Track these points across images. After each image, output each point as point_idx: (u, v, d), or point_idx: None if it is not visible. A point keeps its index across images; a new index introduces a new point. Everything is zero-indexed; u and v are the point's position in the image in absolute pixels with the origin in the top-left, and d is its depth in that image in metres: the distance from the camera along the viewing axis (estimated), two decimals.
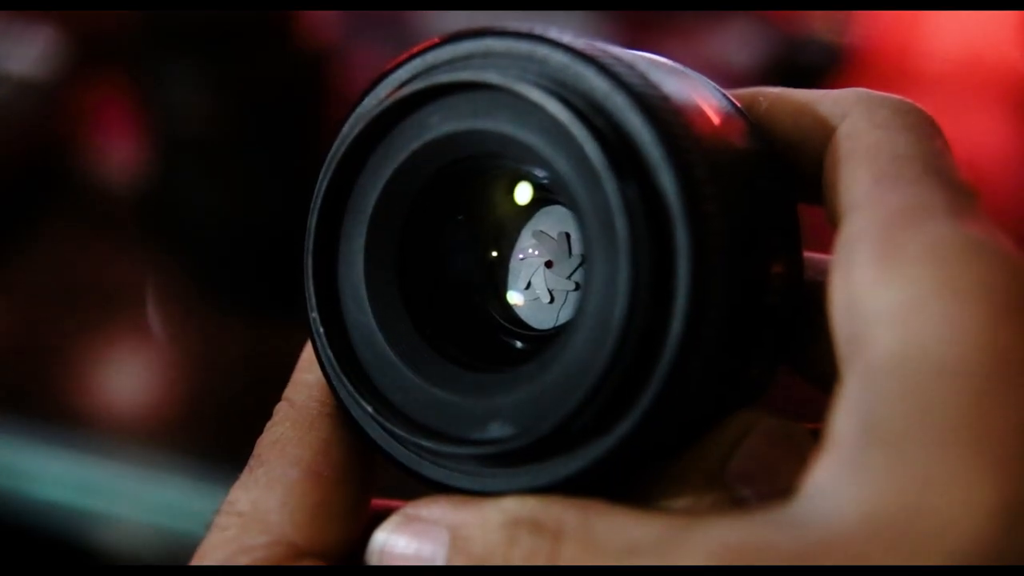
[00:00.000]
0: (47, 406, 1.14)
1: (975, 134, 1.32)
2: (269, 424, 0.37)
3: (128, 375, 1.19)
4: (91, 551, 1.10)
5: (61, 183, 1.31)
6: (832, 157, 0.35)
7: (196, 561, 0.35)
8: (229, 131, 1.16)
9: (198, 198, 1.20)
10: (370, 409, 0.35)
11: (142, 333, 1.22)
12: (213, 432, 1.12)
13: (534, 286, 0.38)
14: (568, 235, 0.37)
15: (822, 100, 0.36)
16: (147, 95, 1.21)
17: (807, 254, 0.38)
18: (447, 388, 0.35)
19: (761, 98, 0.38)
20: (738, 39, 1.39)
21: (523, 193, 0.37)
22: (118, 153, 1.31)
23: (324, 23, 1.20)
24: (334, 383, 0.36)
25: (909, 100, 0.36)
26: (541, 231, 0.38)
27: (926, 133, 0.35)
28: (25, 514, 1.09)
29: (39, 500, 1.09)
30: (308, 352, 0.38)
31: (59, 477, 1.09)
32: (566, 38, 0.34)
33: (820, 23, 1.40)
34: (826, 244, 0.35)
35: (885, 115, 0.35)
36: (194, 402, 1.18)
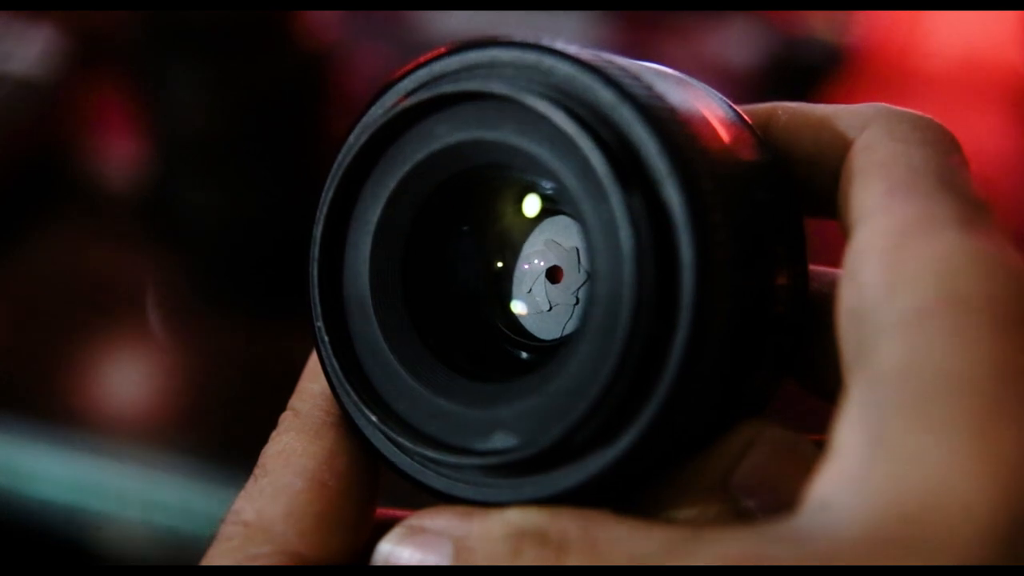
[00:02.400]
0: (47, 406, 1.14)
1: (975, 134, 1.32)
2: (274, 433, 0.37)
3: (128, 375, 1.19)
4: (91, 551, 1.10)
5: (61, 183, 1.31)
6: (848, 169, 0.35)
7: None
8: (229, 131, 1.16)
9: (198, 199, 1.20)
10: (374, 418, 0.35)
11: (142, 333, 1.22)
12: (213, 432, 1.12)
13: (538, 297, 0.38)
14: (578, 249, 0.37)
15: (841, 114, 0.36)
16: (147, 95, 1.21)
17: (813, 267, 0.38)
18: (451, 398, 0.35)
19: (780, 111, 0.38)
20: (738, 39, 1.39)
21: (529, 204, 0.38)
22: (118, 153, 1.31)
23: (324, 24, 1.20)
24: (338, 392, 0.36)
25: (928, 116, 0.36)
26: (553, 240, 0.38)
27: (944, 148, 0.35)
28: (25, 514, 1.09)
29: (39, 500, 1.09)
30: (313, 361, 0.38)
31: (59, 477, 1.09)
32: (572, 49, 0.34)
33: (820, 23, 1.40)
34: (835, 258, 0.35)
35: (904, 129, 0.35)
36: (194, 402, 1.18)
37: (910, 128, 0.35)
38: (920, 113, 0.36)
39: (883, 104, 0.36)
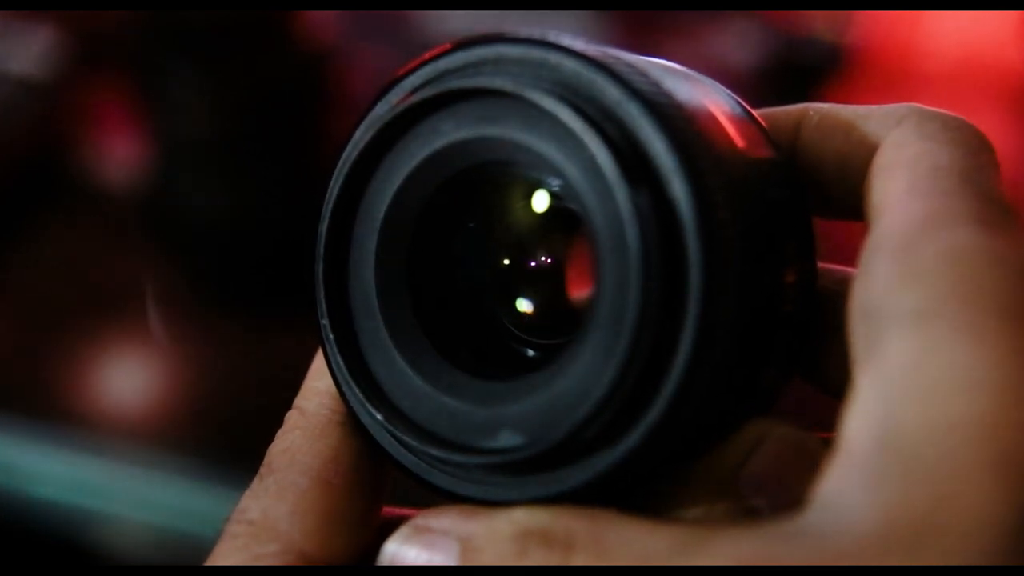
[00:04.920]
0: (47, 406, 1.14)
1: None
2: (280, 432, 0.37)
3: (128, 375, 1.19)
4: (91, 551, 1.10)
5: (62, 183, 1.31)
6: (875, 166, 0.35)
7: None
8: (230, 132, 1.16)
9: (199, 199, 1.20)
10: (380, 417, 0.35)
11: (142, 334, 1.22)
12: (213, 432, 1.12)
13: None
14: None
15: (873, 114, 0.36)
16: (148, 96, 1.21)
17: (824, 265, 0.38)
18: (457, 396, 0.35)
19: (811, 112, 0.38)
20: (738, 39, 1.39)
21: (536, 201, 0.37)
22: (119, 153, 1.31)
23: (325, 24, 1.20)
24: (344, 390, 0.36)
25: (961, 117, 0.36)
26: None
27: (972, 148, 0.34)
28: (25, 514, 1.09)
29: (39, 500, 1.09)
30: (319, 360, 0.38)
31: (59, 477, 1.09)
32: (579, 45, 0.34)
33: (820, 23, 1.40)
34: (848, 258, 0.35)
35: (933, 128, 0.35)
36: (194, 402, 1.18)
37: (940, 127, 0.35)
38: (952, 114, 0.36)
39: (915, 104, 0.36)
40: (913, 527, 0.29)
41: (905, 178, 0.33)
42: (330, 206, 0.36)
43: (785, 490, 0.33)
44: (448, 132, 0.34)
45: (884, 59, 1.41)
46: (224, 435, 1.10)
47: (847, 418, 0.31)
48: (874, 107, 0.37)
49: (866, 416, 0.31)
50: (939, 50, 1.41)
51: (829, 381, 0.37)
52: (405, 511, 0.36)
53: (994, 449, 0.29)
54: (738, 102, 0.37)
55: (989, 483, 0.29)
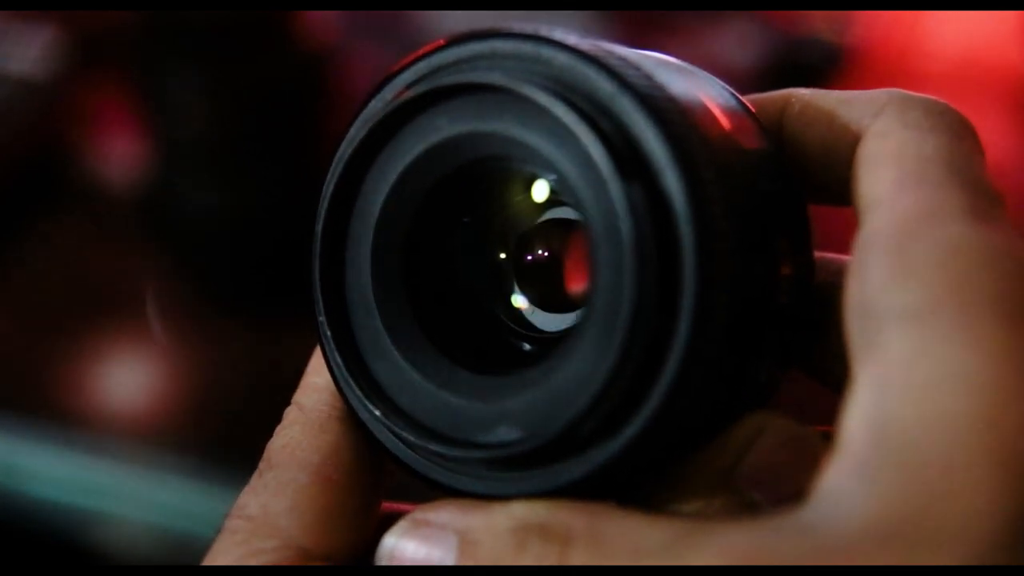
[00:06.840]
0: (47, 406, 1.14)
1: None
2: (279, 428, 0.37)
3: (128, 375, 1.19)
4: (91, 551, 1.10)
5: (61, 183, 1.31)
6: (861, 157, 0.35)
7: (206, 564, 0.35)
8: (229, 131, 1.16)
9: (198, 199, 1.20)
10: (378, 412, 0.35)
11: (142, 333, 1.22)
12: (213, 432, 1.12)
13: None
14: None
15: (855, 100, 0.36)
16: (147, 96, 1.21)
17: (822, 255, 0.38)
18: (455, 391, 0.35)
19: (794, 99, 0.38)
20: (738, 39, 1.39)
21: (531, 195, 0.37)
22: (118, 154, 1.31)
23: (324, 24, 1.20)
24: (342, 387, 0.36)
25: (943, 101, 0.35)
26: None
27: (957, 135, 0.34)
28: (25, 514, 1.09)
29: (39, 500, 1.09)
30: (317, 356, 0.38)
31: (59, 477, 1.09)
32: (571, 39, 0.34)
33: (820, 23, 1.40)
34: (843, 246, 0.35)
35: (916, 116, 0.35)
36: (194, 402, 1.18)
37: (923, 114, 0.35)
38: (934, 98, 0.35)
39: (897, 90, 0.36)
40: (911, 523, 0.29)
41: (893, 171, 0.33)
42: (326, 204, 0.36)
43: (783, 484, 0.33)
44: (443, 128, 0.35)
45: (884, 59, 1.41)
46: (224, 434, 1.10)
47: (845, 414, 0.31)
48: (855, 93, 0.36)
49: (864, 412, 0.31)
50: (939, 50, 1.41)
51: (829, 374, 0.37)
52: (404, 506, 0.36)
53: (990, 445, 0.29)
54: (732, 94, 0.37)
55: (986, 478, 0.29)
